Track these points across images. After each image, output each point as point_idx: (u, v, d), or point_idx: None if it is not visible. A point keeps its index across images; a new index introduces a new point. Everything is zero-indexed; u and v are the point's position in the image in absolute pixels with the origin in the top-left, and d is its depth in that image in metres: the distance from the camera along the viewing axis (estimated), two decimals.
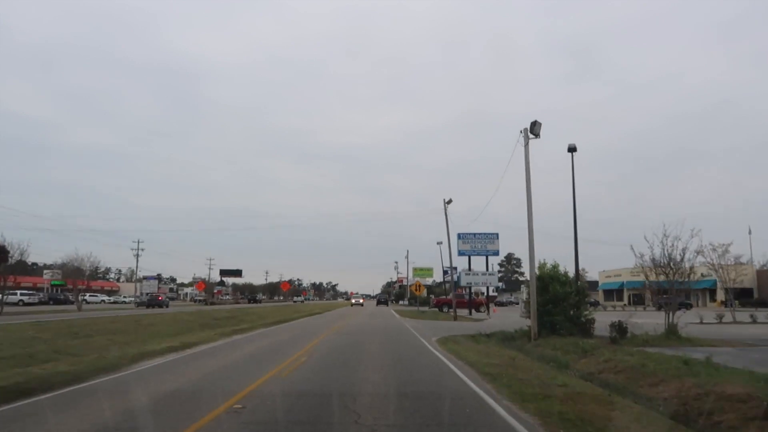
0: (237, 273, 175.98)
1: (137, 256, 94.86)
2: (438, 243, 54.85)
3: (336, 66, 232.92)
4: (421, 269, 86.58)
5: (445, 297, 55.13)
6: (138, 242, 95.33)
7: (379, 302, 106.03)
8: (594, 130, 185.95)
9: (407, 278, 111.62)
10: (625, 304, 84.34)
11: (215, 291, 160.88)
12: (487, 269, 43.97)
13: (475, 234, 43.22)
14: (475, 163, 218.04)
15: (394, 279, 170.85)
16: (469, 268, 43.67)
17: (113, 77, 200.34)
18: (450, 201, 36.06)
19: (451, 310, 46.94)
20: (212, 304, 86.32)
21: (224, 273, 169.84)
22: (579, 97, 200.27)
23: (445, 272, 56.01)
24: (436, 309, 52.16)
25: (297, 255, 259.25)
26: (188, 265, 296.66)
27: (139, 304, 58.41)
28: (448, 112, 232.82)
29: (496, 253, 43.25)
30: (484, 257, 43.47)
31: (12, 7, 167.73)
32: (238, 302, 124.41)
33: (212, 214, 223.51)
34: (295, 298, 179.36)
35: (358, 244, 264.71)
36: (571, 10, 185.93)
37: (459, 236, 42.95)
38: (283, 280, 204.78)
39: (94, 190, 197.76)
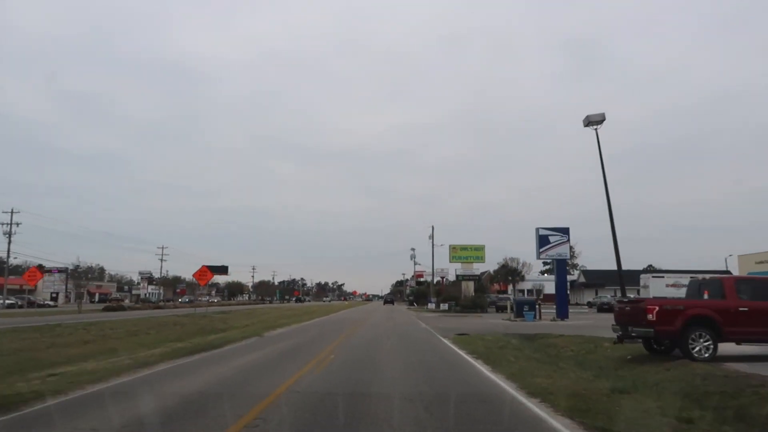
0: (222, 270, 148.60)
1: (8, 236, 60.44)
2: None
3: (335, 65, 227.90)
4: (464, 248, 51.16)
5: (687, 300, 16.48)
6: (11, 212, 60.86)
7: (386, 302, 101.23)
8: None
9: (431, 269, 75.95)
10: None
11: (178, 290, 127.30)
12: None
13: None
14: (477, 160, 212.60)
15: (406, 275, 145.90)
16: None
17: (113, 78, 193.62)
18: None
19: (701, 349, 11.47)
20: (115, 309, 51.35)
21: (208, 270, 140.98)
22: (580, 93, 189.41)
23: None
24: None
25: (301, 255, 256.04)
26: (190, 266, 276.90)
27: None
28: (449, 110, 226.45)
29: None
30: None
31: (12, 7, 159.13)
32: (178, 305, 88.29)
33: (214, 215, 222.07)
34: (324, 298, 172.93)
35: (365, 244, 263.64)
36: (572, 4, 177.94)
37: None
38: (276, 278, 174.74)
39: (96, 191, 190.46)
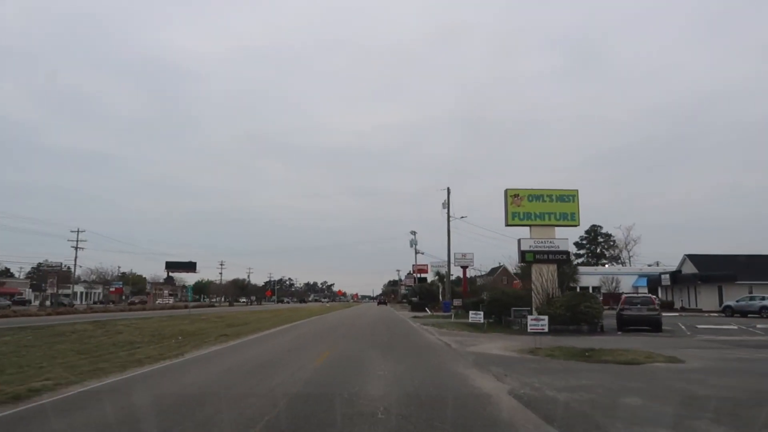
0: (189, 266, 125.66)
1: None
2: None
3: (329, 63, 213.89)
4: (537, 196, 24.46)
5: None
6: None
7: (380, 303, 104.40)
8: (592, 124, 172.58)
9: (449, 255, 49.19)
10: None
11: (110, 290, 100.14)
12: None
13: None
14: (473, 160, 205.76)
15: (401, 272, 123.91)
16: None
17: (99, 77, 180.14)
18: None
19: None
20: None
21: (171, 266, 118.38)
22: (576, 92, 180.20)
23: None
24: None
25: (289, 255, 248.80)
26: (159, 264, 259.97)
27: None
28: (443, 108, 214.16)
29: None
30: None
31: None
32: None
33: (205, 216, 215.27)
34: (323, 299, 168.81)
35: (356, 244, 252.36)
36: (566, 2, 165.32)
37: None
38: (258, 278, 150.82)
39: (81, 192, 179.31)
